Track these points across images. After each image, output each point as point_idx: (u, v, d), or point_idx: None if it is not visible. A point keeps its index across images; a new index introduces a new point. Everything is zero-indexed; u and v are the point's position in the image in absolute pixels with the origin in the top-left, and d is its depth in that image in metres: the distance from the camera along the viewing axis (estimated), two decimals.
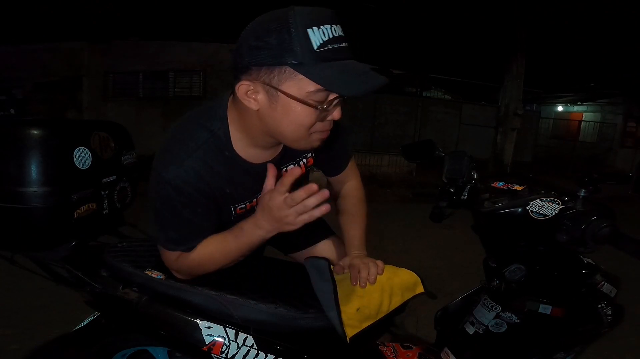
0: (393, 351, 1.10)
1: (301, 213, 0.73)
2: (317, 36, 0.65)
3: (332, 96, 0.70)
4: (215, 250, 0.82)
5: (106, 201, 0.99)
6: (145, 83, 8.05)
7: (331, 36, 0.66)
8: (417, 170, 7.26)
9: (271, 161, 0.84)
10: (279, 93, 0.68)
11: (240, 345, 0.81)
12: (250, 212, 0.89)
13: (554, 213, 0.79)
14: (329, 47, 0.65)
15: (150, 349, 0.96)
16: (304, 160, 0.93)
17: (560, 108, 13.49)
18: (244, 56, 0.68)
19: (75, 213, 0.89)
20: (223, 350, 0.80)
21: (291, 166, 0.91)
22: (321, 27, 0.65)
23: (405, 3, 6.06)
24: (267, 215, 0.75)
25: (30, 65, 7.67)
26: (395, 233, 3.69)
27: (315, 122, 0.72)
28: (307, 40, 0.64)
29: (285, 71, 0.67)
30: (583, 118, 12.68)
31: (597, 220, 0.73)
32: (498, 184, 0.97)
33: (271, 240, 1.19)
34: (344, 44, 0.68)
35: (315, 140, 0.76)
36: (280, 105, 0.70)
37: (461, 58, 8.32)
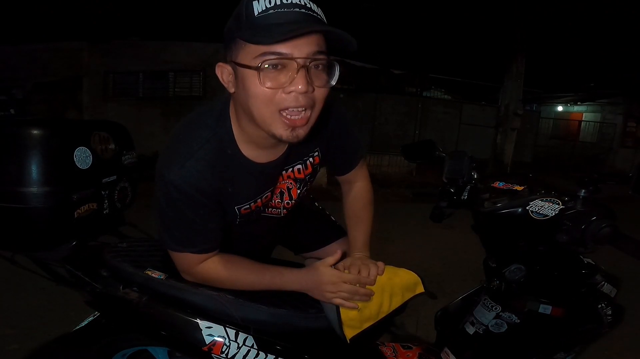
0: (393, 351, 1.10)
1: (340, 298, 0.83)
2: (261, 4, 0.65)
3: (270, 56, 0.65)
4: (249, 276, 0.85)
5: (106, 201, 0.99)
6: (145, 83, 8.04)
7: (278, 3, 0.64)
8: (417, 170, 7.26)
9: (275, 161, 0.84)
10: (237, 67, 0.69)
11: (240, 345, 0.81)
12: (255, 213, 0.89)
13: (554, 213, 0.79)
14: (271, 12, 0.64)
15: (151, 349, 0.96)
16: (311, 159, 0.92)
17: (560, 108, 13.49)
18: (224, 42, 0.72)
19: (75, 213, 0.89)
20: (223, 350, 0.80)
21: (298, 165, 0.90)
22: None
23: (405, 3, 6.05)
24: (317, 281, 0.84)
25: (30, 65, 7.66)
26: (395, 233, 3.69)
27: (272, 92, 0.67)
28: (250, 9, 0.65)
29: (237, 44, 0.68)
30: (583, 118, 12.68)
31: (597, 220, 0.73)
32: (498, 184, 0.97)
33: (282, 239, 1.20)
34: (295, 9, 0.65)
35: (285, 125, 0.70)
36: (240, 80, 0.70)
37: (461, 58, 8.31)
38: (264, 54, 0.65)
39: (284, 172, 0.89)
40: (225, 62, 0.73)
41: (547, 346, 0.92)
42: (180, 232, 0.80)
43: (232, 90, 0.74)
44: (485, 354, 0.97)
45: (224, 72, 0.73)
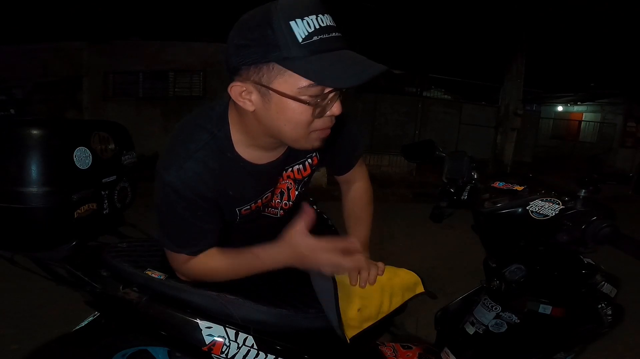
0: (393, 351, 1.10)
1: (329, 264, 0.77)
2: (301, 28, 0.61)
3: (326, 90, 0.66)
4: (226, 265, 0.83)
5: (106, 201, 0.99)
6: (145, 83, 8.03)
7: (317, 27, 0.62)
8: (417, 170, 7.26)
9: (275, 161, 0.84)
10: (271, 92, 0.66)
11: (240, 345, 0.81)
12: (255, 213, 0.89)
13: (554, 213, 0.79)
14: (315, 38, 0.62)
15: (150, 349, 0.96)
16: (309, 160, 0.91)
17: (560, 108, 13.50)
18: (232, 57, 0.67)
19: (75, 213, 0.89)
20: (223, 350, 0.80)
21: (298, 166, 0.90)
22: (305, 18, 0.61)
23: (405, 3, 6.05)
24: (294, 254, 0.77)
25: (30, 65, 7.65)
26: (395, 233, 3.69)
27: (313, 119, 0.69)
28: (291, 33, 0.61)
29: (273, 68, 0.64)
30: (583, 118, 12.69)
31: (597, 220, 0.73)
32: (498, 184, 0.97)
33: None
34: (334, 34, 0.64)
35: (316, 139, 0.73)
36: (274, 104, 0.67)
37: (461, 58, 8.32)
38: (312, 86, 0.64)
39: (284, 173, 0.89)
40: (238, 77, 0.68)
41: (547, 346, 0.92)
42: (179, 233, 0.80)
43: (251, 109, 0.70)
44: (485, 354, 0.97)
45: (241, 92, 0.69)
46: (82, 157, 0.90)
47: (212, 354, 0.81)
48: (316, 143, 0.74)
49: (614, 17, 5.81)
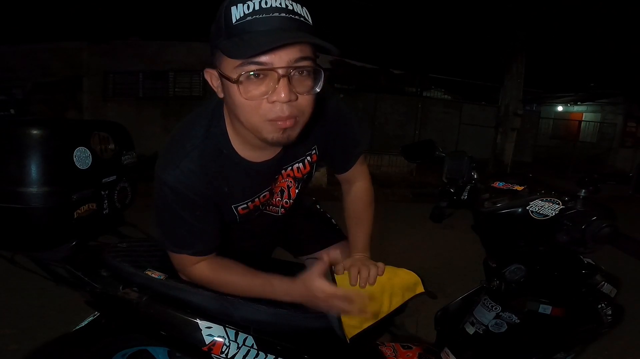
0: (393, 351, 1.10)
1: (340, 309, 0.79)
2: (239, 10, 0.62)
3: (250, 67, 0.64)
4: (238, 282, 0.83)
5: (106, 201, 0.99)
6: (145, 83, 8.04)
7: (257, 8, 0.62)
8: (417, 170, 7.26)
9: (271, 160, 0.84)
10: (220, 75, 0.68)
11: (240, 345, 0.81)
12: (253, 212, 0.89)
13: (554, 213, 0.79)
14: (249, 18, 0.62)
15: (150, 349, 0.96)
16: (308, 158, 0.91)
17: (560, 108, 13.49)
18: (210, 47, 0.70)
19: (75, 213, 0.89)
20: (223, 350, 0.80)
21: (297, 164, 0.90)
22: (248, 2, 0.62)
23: (405, 3, 6.05)
24: (307, 294, 0.79)
25: (30, 65, 7.66)
26: (395, 233, 3.69)
27: (255, 103, 0.66)
28: (229, 17, 0.63)
29: (218, 52, 0.67)
30: (583, 118, 12.68)
31: (597, 220, 0.73)
32: (498, 184, 0.97)
33: (281, 241, 1.20)
34: (275, 14, 0.62)
35: (275, 130, 0.69)
36: (225, 88, 0.69)
37: (461, 58, 8.31)
38: (243, 64, 0.64)
39: (283, 171, 0.89)
40: (212, 67, 0.71)
41: (547, 346, 0.92)
42: (177, 234, 0.80)
43: (221, 95, 0.73)
44: (485, 354, 0.97)
45: (212, 78, 0.72)
46: (82, 157, 0.90)
47: (212, 354, 0.81)
48: (275, 134, 0.70)
49: (613, 16, 5.81)
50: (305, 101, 0.69)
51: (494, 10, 6.08)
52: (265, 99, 0.66)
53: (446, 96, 10.55)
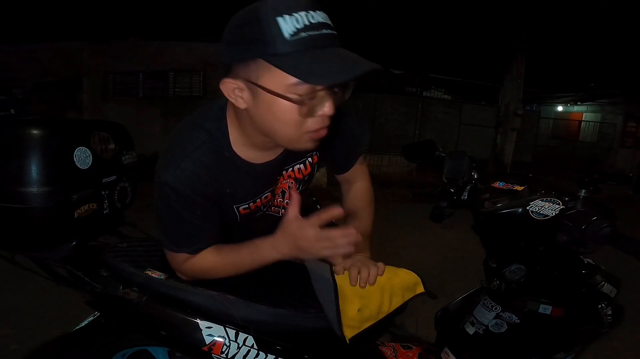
0: (393, 351, 1.10)
1: (327, 248, 0.73)
2: (289, 24, 0.60)
3: (315, 88, 0.64)
4: (226, 260, 0.82)
5: (106, 201, 0.99)
6: (145, 83, 8.03)
7: (307, 23, 0.61)
8: (417, 170, 7.26)
9: (272, 161, 0.84)
10: (259, 89, 0.65)
11: (240, 345, 0.81)
12: (255, 212, 0.89)
13: (554, 214, 0.79)
14: (303, 34, 0.60)
15: (150, 349, 0.96)
16: (309, 159, 0.91)
17: (560, 108, 13.49)
18: (224, 54, 0.67)
19: (75, 213, 0.89)
20: (223, 350, 0.80)
21: (298, 165, 0.90)
22: (294, 14, 0.60)
23: (405, 3, 6.05)
24: (290, 241, 0.75)
25: (30, 65, 7.65)
26: (395, 233, 3.69)
27: (303, 119, 0.67)
28: (278, 29, 0.60)
29: (260, 65, 0.63)
30: (583, 118, 12.68)
31: (597, 220, 0.73)
32: (498, 184, 0.97)
33: None
34: (324, 31, 0.62)
35: (309, 140, 0.71)
36: (263, 102, 0.67)
37: (461, 58, 8.31)
38: (301, 83, 0.63)
39: (284, 172, 0.89)
40: (230, 74, 0.68)
41: (547, 346, 0.92)
42: (177, 233, 0.80)
43: (243, 106, 0.70)
44: (485, 354, 0.97)
45: (232, 89, 0.69)
46: (82, 157, 0.90)
47: (212, 354, 0.81)
48: (309, 145, 0.73)
49: (613, 17, 5.81)
50: (336, 110, 0.70)
51: (495, 10, 6.08)
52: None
53: (446, 96, 10.55)
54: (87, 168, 0.91)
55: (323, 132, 0.71)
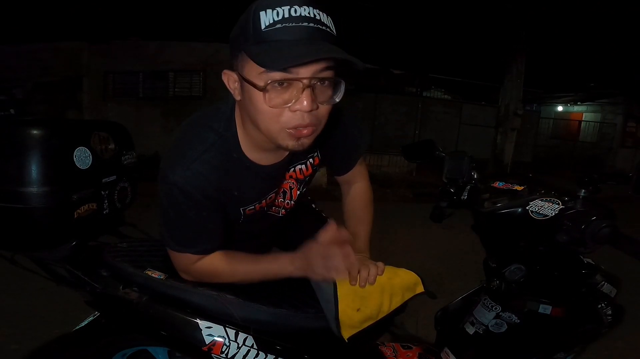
0: (393, 351, 1.10)
1: (325, 268, 0.77)
2: (269, 17, 0.62)
3: (276, 75, 0.64)
4: (240, 268, 0.84)
5: (106, 201, 0.99)
6: (145, 83, 8.04)
7: (287, 16, 0.62)
8: (417, 170, 7.26)
9: (280, 163, 0.84)
10: (242, 80, 0.68)
11: (240, 345, 0.81)
12: (259, 213, 0.90)
13: (554, 214, 0.79)
14: (279, 26, 0.62)
15: (150, 349, 0.96)
16: (310, 160, 0.92)
17: (560, 108, 13.48)
18: (230, 48, 0.70)
19: (75, 213, 0.89)
20: (223, 350, 0.80)
21: (300, 166, 0.91)
22: (277, 8, 0.62)
23: (405, 3, 6.05)
24: (305, 256, 0.79)
25: (30, 65, 7.66)
26: (395, 233, 3.69)
27: (279, 111, 0.67)
28: (257, 22, 0.62)
29: (243, 56, 0.66)
30: (583, 118, 12.68)
31: (597, 220, 0.73)
32: (498, 184, 0.97)
33: (277, 242, 1.20)
34: (304, 24, 0.62)
35: (289, 136, 0.70)
36: (247, 92, 0.69)
37: (461, 58, 8.31)
38: (268, 71, 0.64)
39: (286, 173, 0.90)
40: (231, 69, 0.71)
41: (547, 346, 0.92)
42: (182, 233, 0.80)
43: (238, 98, 0.73)
44: (485, 354, 0.97)
45: (230, 80, 0.72)
46: (82, 157, 0.90)
47: (212, 354, 0.81)
48: (290, 142, 0.71)
49: (613, 17, 5.81)
50: (324, 110, 0.70)
51: (495, 10, 6.08)
52: (287, 108, 0.67)
53: (446, 96, 10.56)
54: (87, 168, 0.91)
55: (306, 132, 0.69)
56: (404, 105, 9.39)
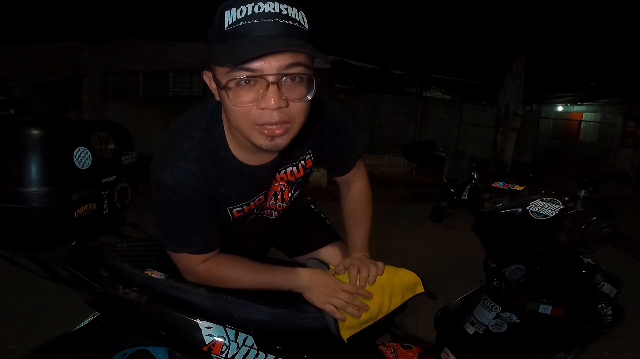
0: (393, 351, 1.10)
1: (326, 301, 0.83)
2: (232, 15, 0.62)
3: (239, 73, 0.63)
4: (247, 275, 0.84)
5: (106, 201, 0.99)
6: (145, 83, 8.05)
7: (249, 13, 0.61)
8: (417, 170, 7.26)
9: (268, 164, 0.83)
10: (214, 78, 0.68)
11: (240, 345, 0.81)
12: (248, 215, 0.89)
13: (554, 214, 0.79)
14: (240, 24, 0.61)
15: (150, 349, 0.96)
16: (302, 162, 0.91)
17: (560, 108, 13.49)
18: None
19: (75, 213, 0.89)
20: (223, 350, 0.80)
21: (291, 168, 0.90)
22: (241, 6, 0.61)
23: (405, 3, 6.05)
24: (316, 279, 0.85)
25: (30, 65, 7.67)
26: (395, 233, 3.69)
27: (249, 109, 0.66)
28: (222, 21, 0.63)
29: (211, 55, 0.66)
30: (583, 118, 12.69)
31: (597, 221, 0.73)
32: (498, 184, 0.97)
33: (276, 242, 1.20)
34: (266, 19, 0.61)
35: (260, 134, 0.68)
36: (220, 91, 0.69)
37: (461, 58, 8.31)
38: (232, 70, 0.63)
39: (277, 174, 0.89)
40: (209, 69, 0.71)
41: (547, 346, 0.92)
42: (177, 232, 0.80)
43: (217, 98, 0.72)
44: (485, 354, 0.97)
45: (210, 80, 0.72)
46: (82, 157, 0.90)
47: (212, 354, 0.81)
48: (262, 141, 0.69)
49: (613, 17, 5.82)
50: (297, 108, 0.68)
51: (495, 10, 6.08)
52: (255, 105, 0.66)
53: (446, 96, 10.55)
54: (87, 168, 0.91)
55: (279, 131, 0.68)
56: (404, 105, 9.39)
